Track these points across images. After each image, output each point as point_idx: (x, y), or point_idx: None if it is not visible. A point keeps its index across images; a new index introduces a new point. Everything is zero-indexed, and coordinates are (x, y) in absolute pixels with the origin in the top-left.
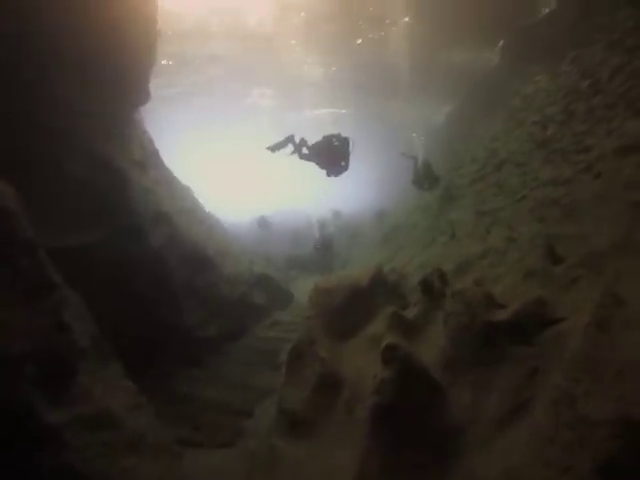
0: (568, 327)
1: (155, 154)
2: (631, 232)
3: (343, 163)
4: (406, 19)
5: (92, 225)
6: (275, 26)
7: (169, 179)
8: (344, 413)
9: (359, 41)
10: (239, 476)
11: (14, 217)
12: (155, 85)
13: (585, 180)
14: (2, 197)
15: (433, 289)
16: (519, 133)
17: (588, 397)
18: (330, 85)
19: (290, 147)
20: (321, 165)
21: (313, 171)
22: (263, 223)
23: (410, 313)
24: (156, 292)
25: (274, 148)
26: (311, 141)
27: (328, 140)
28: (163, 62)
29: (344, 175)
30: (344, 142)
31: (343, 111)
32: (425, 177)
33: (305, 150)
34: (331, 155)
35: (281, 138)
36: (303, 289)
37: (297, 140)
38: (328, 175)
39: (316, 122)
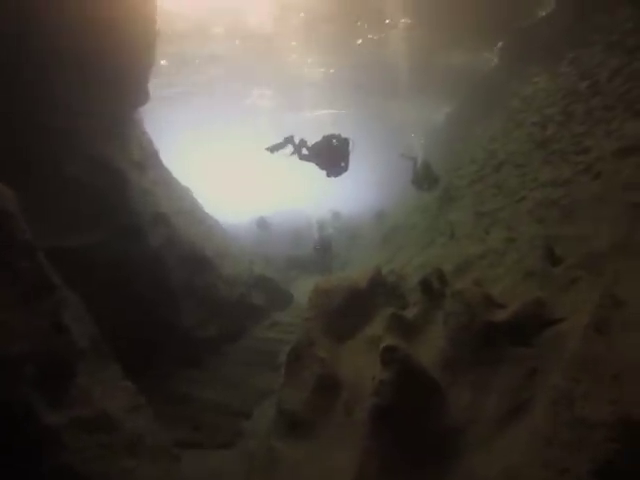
0: (567, 328)
1: (154, 155)
2: (630, 233)
3: (343, 164)
4: (405, 20)
5: (91, 226)
6: (275, 26)
7: (168, 180)
8: (343, 414)
9: (359, 41)
10: (238, 477)
11: (13, 219)
12: (155, 85)
13: (584, 181)
14: (1, 199)
15: (432, 289)
16: (518, 134)
17: (587, 398)
18: (330, 85)
19: (289, 148)
20: (321, 166)
21: (312, 172)
22: (262, 224)
23: (409, 313)
24: (155, 293)
25: (273, 149)
26: (311, 142)
27: (328, 140)
28: (162, 62)
29: (344, 176)
30: (344, 142)
31: (342, 112)
32: (424, 178)
33: (305, 151)
34: (331, 156)
35: (280, 139)
36: (303, 290)
37: (296, 141)
38: (328, 176)
39: (316, 123)
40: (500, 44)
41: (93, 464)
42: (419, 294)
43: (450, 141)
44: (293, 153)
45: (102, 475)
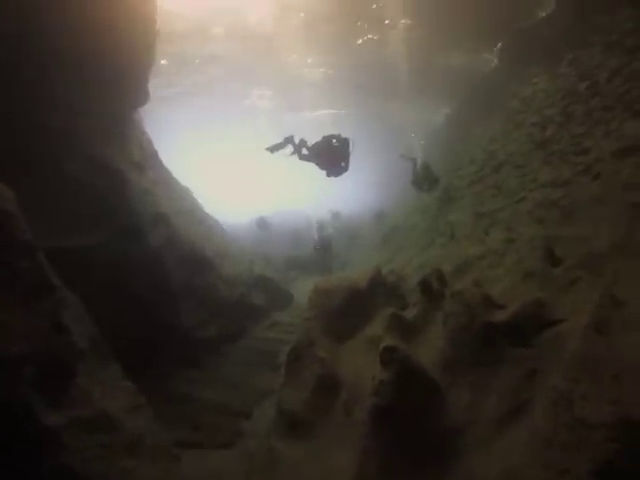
0: (567, 328)
1: (154, 155)
2: (630, 233)
3: (343, 164)
4: (405, 21)
5: (91, 226)
6: (275, 26)
7: (168, 180)
8: (343, 414)
9: (359, 41)
10: (238, 477)
11: (13, 219)
12: (154, 85)
13: (584, 181)
14: (1, 199)
15: (432, 290)
16: (518, 135)
17: (586, 398)
18: (329, 85)
19: (289, 148)
20: (321, 166)
21: (312, 172)
22: (262, 224)
23: (409, 314)
24: (154, 293)
25: (273, 149)
26: (311, 142)
27: (328, 141)
28: (163, 62)
29: (344, 176)
30: (344, 143)
31: (342, 112)
32: (424, 178)
33: (305, 151)
34: (331, 156)
35: (280, 139)
36: (303, 290)
37: (296, 141)
38: (328, 176)
39: (315, 123)
40: (500, 45)
41: (93, 464)
42: (419, 294)
43: (450, 142)
44: (293, 153)
45: (102, 475)
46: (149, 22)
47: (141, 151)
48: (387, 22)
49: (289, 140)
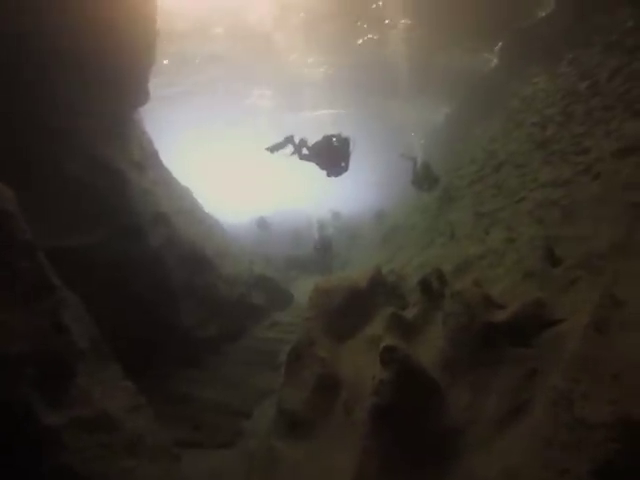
0: (567, 328)
1: (154, 155)
2: (630, 233)
3: (343, 163)
4: (405, 21)
5: (91, 226)
6: (275, 26)
7: (168, 180)
8: (343, 414)
9: (359, 41)
10: (238, 477)
11: (13, 219)
12: (155, 85)
13: (584, 181)
14: (1, 199)
15: (432, 290)
16: (518, 134)
17: (586, 398)
18: (329, 85)
19: (290, 147)
20: (321, 165)
21: (312, 172)
22: (262, 224)
23: (409, 314)
24: (155, 293)
25: (273, 149)
26: (311, 141)
27: (328, 140)
28: (165, 62)
29: (344, 176)
30: (344, 142)
31: (342, 112)
32: (424, 178)
33: (305, 150)
34: (331, 155)
35: (280, 139)
36: (303, 289)
37: (296, 140)
38: (328, 175)
39: (315, 123)
40: (500, 44)
41: (93, 464)
42: (419, 294)
43: (450, 141)
44: (293, 153)
45: (102, 475)
46: (149, 22)
47: (141, 151)
48: (387, 22)
49: (289, 140)
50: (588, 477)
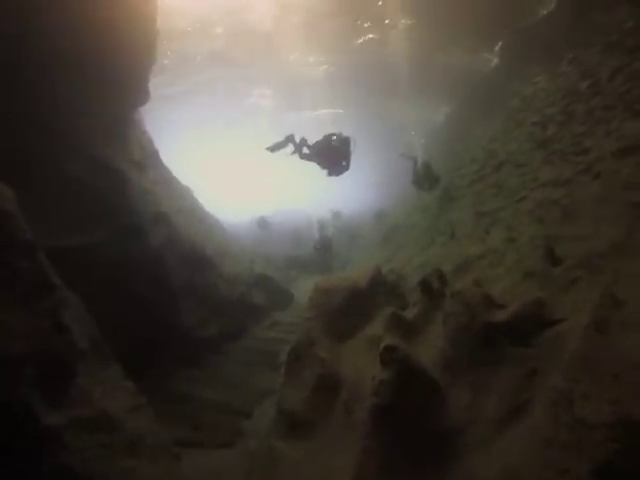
0: (567, 328)
1: (154, 154)
2: (630, 233)
3: (344, 163)
4: (405, 21)
5: (92, 226)
6: (275, 25)
7: (168, 179)
8: (343, 414)
9: (360, 41)
10: (238, 477)
11: (13, 219)
12: (156, 84)
13: (584, 181)
14: (1, 199)
15: (432, 289)
16: (518, 134)
17: (586, 398)
18: (330, 84)
19: (290, 147)
20: (322, 165)
21: (313, 171)
22: (263, 223)
23: (409, 313)
24: (155, 292)
25: (274, 148)
26: (311, 141)
27: (328, 139)
28: (165, 62)
29: (344, 175)
30: (345, 141)
31: (342, 111)
32: (425, 178)
33: (305, 150)
34: (332, 155)
35: (281, 138)
36: (304, 289)
37: (297, 140)
38: (329, 175)
39: (316, 122)
40: (500, 44)
41: (93, 464)
42: (419, 294)
43: (450, 141)
44: (294, 152)
45: (102, 475)
46: (150, 22)
47: (142, 150)
48: (387, 22)
49: (290, 139)
50: (588, 477)
